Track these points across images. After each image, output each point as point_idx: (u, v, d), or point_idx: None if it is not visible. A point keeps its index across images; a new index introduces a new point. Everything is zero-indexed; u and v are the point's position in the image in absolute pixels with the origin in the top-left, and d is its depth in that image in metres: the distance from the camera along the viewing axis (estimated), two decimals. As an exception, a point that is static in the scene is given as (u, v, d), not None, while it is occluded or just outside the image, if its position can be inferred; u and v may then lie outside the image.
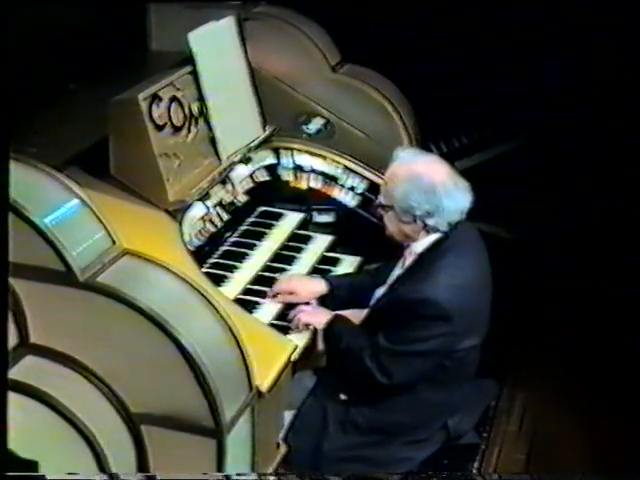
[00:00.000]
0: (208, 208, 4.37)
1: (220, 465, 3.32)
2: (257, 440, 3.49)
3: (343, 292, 4.22)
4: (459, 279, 3.75)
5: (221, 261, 4.38)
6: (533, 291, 5.72)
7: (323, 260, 4.64)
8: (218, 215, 4.44)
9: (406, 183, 3.79)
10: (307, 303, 4.15)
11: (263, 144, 4.75)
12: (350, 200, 4.91)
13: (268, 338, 3.71)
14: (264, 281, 4.31)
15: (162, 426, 3.31)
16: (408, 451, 3.91)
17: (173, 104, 4.16)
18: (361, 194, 4.90)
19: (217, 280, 4.13)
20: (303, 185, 4.93)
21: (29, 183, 3.31)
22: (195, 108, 4.30)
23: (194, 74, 4.30)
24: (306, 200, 4.92)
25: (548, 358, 5.50)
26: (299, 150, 4.93)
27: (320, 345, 3.99)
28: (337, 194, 4.92)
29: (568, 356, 5.49)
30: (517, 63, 6.07)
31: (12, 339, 3.29)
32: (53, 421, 3.24)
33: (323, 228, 4.88)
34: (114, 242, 3.40)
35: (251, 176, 4.78)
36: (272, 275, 4.34)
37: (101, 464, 3.27)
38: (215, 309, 3.36)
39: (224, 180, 4.52)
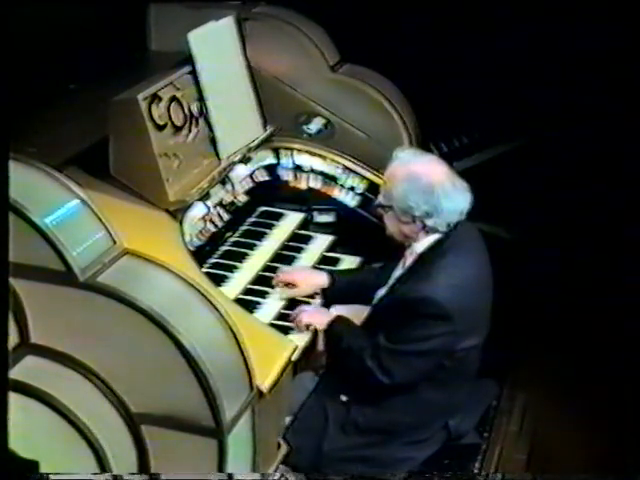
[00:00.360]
0: (208, 208, 4.37)
1: (221, 465, 3.31)
2: (258, 440, 3.48)
3: (344, 286, 4.25)
4: (459, 279, 3.75)
5: (221, 261, 4.38)
6: (533, 291, 5.72)
7: (323, 260, 4.65)
8: (218, 215, 4.44)
9: (405, 183, 3.79)
10: (309, 301, 4.15)
11: (263, 144, 4.75)
12: (350, 200, 4.91)
13: (268, 338, 3.70)
14: (264, 281, 4.31)
15: (163, 426, 3.31)
16: (409, 451, 3.91)
17: (173, 104, 4.16)
18: (361, 194, 4.90)
19: (217, 280, 4.13)
20: (303, 185, 4.94)
21: (29, 183, 3.30)
22: (195, 108, 4.30)
23: (194, 74, 4.30)
24: (306, 200, 4.92)
25: (548, 358, 5.50)
26: (299, 150, 4.93)
27: (321, 345, 3.99)
28: (337, 194, 4.93)
29: (568, 356, 5.49)
30: (517, 63, 6.08)
31: (13, 339, 3.29)
32: (54, 421, 3.24)
33: (323, 228, 4.89)
34: (114, 242, 3.39)
35: (251, 176, 4.78)
36: (272, 275, 4.34)
37: (102, 464, 3.26)
38: (216, 309, 3.36)
39: (224, 180, 4.52)
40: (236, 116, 4.55)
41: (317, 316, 4.04)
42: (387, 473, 3.86)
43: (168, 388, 3.28)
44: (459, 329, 3.74)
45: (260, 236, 4.64)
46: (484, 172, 5.88)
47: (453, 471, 3.92)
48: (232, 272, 4.31)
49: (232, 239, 4.57)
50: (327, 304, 4.24)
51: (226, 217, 4.50)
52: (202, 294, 3.37)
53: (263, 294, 4.24)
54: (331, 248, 4.77)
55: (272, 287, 4.27)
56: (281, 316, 4.12)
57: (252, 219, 4.78)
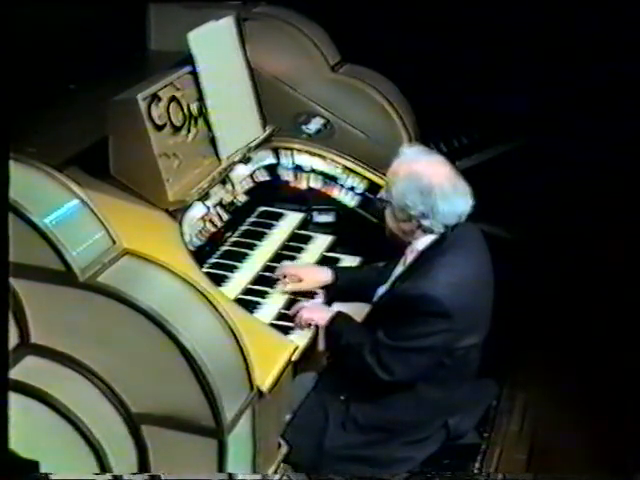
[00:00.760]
0: (208, 208, 4.37)
1: (221, 465, 3.31)
2: (258, 440, 3.49)
3: (347, 283, 4.27)
4: (459, 277, 3.76)
5: (221, 261, 4.38)
6: (533, 291, 5.72)
7: (323, 260, 4.64)
8: (218, 215, 4.44)
9: (404, 181, 3.80)
10: (312, 297, 4.17)
11: (263, 144, 4.75)
12: (350, 200, 4.91)
13: (269, 338, 3.70)
14: (264, 281, 4.31)
15: (163, 426, 3.31)
16: (408, 450, 3.91)
17: (173, 104, 4.16)
18: (361, 194, 4.90)
19: (217, 280, 4.12)
20: (303, 185, 4.93)
21: (29, 183, 3.30)
22: (195, 108, 4.30)
23: (194, 74, 4.29)
24: (306, 200, 4.92)
25: (548, 358, 5.50)
26: (299, 150, 4.93)
27: (321, 344, 3.99)
28: (337, 194, 4.92)
29: (568, 356, 5.48)
30: (517, 63, 6.08)
31: (13, 339, 3.29)
32: (54, 421, 3.24)
33: (323, 228, 4.88)
34: (114, 242, 3.39)
35: (251, 176, 4.78)
36: (273, 275, 4.34)
37: (102, 464, 3.26)
38: (215, 309, 3.36)
39: (224, 180, 4.52)
40: (236, 116, 4.54)
41: (317, 312, 4.05)
42: (387, 473, 3.86)
43: (168, 388, 3.28)
44: (459, 327, 3.74)
45: (260, 236, 4.63)
46: (484, 172, 5.88)
47: (453, 471, 3.92)
48: (232, 272, 4.31)
49: (232, 239, 4.56)
50: (329, 301, 4.24)
51: (226, 217, 4.50)
52: (202, 294, 3.37)
53: (263, 294, 4.23)
54: (331, 248, 4.77)
55: (272, 287, 4.27)
56: (281, 316, 4.12)
57: (252, 219, 4.77)
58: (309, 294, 4.26)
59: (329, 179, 4.92)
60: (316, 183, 4.93)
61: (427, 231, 3.83)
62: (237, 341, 3.35)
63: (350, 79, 5.12)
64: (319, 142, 4.96)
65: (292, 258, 4.57)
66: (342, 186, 4.92)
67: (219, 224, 4.44)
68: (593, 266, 5.94)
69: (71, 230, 3.28)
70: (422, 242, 3.86)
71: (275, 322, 4.05)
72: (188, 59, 4.29)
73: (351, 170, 4.91)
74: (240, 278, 4.29)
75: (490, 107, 6.10)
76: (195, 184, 4.20)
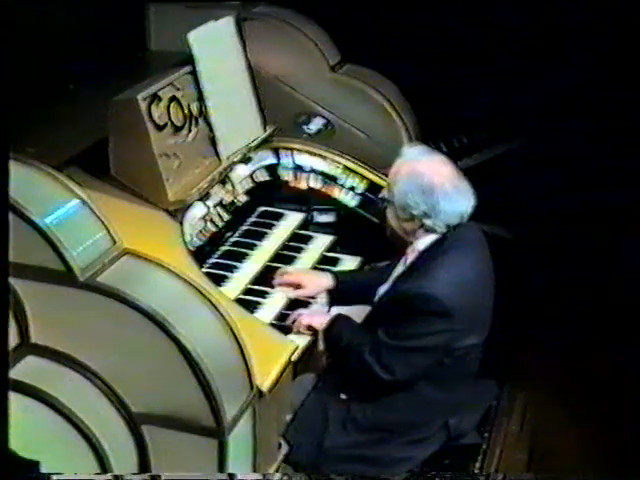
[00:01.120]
0: (208, 208, 4.37)
1: (221, 465, 3.31)
2: (258, 440, 3.48)
3: (349, 287, 4.25)
4: (459, 277, 3.75)
5: (221, 261, 4.38)
6: (533, 291, 5.72)
7: (323, 260, 4.65)
8: (218, 215, 4.44)
9: (406, 181, 3.80)
10: (310, 302, 4.17)
11: (263, 144, 4.75)
12: (350, 200, 4.91)
13: (269, 338, 3.70)
14: (264, 281, 4.31)
15: (163, 426, 3.31)
16: (409, 450, 3.91)
17: (173, 104, 4.16)
18: (361, 194, 4.90)
19: (218, 280, 4.13)
20: (303, 185, 4.93)
21: (29, 183, 3.30)
22: (195, 108, 4.30)
23: (194, 74, 4.29)
24: (306, 200, 4.92)
25: (548, 358, 5.50)
26: (299, 150, 4.92)
27: (321, 345, 3.99)
28: (337, 194, 4.92)
29: (568, 356, 5.48)
30: (517, 63, 6.08)
31: (13, 339, 3.29)
32: (54, 421, 3.23)
33: (323, 228, 4.88)
34: (114, 242, 3.39)
35: (251, 176, 4.78)
36: (273, 275, 4.34)
37: (102, 464, 3.26)
38: (216, 309, 3.35)
39: (224, 180, 4.52)
40: (236, 116, 4.54)
41: (316, 317, 4.04)
42: (387, 473, 3.86)
43: (168, 388, 3.27)
44: (459, 327, 3.73)
45: (260, 236, 4.63)
46: (484, 172, 5.87)
47: (453, 471, 3.91)
48: (232, 272, 4.31)
49: (232, 239, 4.56)
50: (331, 306, 4.23)
51: (226, 217, 4.50)
52: (202, 294, 3.36)
53: (263, 294, 4.23)
54: (331, 248, 4.77)
55: (272, 287, 4.27)
56: (281, 316, 4.12)
57: (252, 219, 4.77)
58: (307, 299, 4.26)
59: (329, 179, 4.92)
60: (316, 183, 4.93)
61: (429, 231, 3.82)
62: (237, 341, 3.35)
63: (350, 79, 5.12)
64: (319, 142, 4.96)
65: (292, 258, 4.57)
66: (342, 186, 4.91)
67: (219, 224, 4.44)
68: (593, 266, 5.94)
69: (71, 230, 3.28)
70: (423, 242, 3.86)
71: (275, 322, 4.05)
72: (188, 59, 4.29)
73: (351, 170, 4.91)
74: (240, 278, 4.29)
75: (490, 107, 6.10)
76: (195, 184, 4.20)
